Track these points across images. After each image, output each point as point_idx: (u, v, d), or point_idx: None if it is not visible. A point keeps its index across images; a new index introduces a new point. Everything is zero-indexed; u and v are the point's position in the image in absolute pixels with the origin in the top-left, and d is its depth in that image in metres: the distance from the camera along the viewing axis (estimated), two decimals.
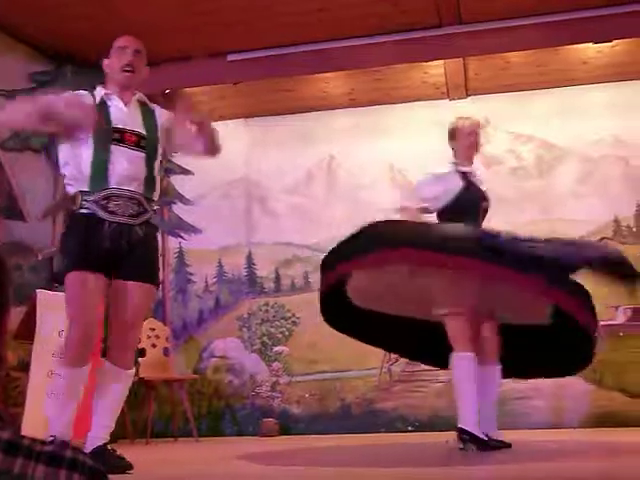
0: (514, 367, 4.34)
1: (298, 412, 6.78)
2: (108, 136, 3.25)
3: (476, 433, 3.85)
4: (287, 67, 6.49)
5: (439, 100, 6.99)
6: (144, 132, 3.35)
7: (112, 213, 3.20)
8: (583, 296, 3.91)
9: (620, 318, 6.39)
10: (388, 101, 7.11)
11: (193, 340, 7.19)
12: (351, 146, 7.11)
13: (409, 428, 6.48)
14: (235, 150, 7.38)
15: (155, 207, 3.41)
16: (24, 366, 4.95)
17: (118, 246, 3.19)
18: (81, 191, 3.25)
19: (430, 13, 5.99)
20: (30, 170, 6.40)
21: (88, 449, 3.16)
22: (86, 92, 3.44)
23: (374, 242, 3.91)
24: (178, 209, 7.47)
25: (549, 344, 4.22)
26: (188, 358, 7.13)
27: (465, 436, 3.87)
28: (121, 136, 3.27)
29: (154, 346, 6.48)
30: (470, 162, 4.47)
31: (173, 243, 7.43)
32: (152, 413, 6.28)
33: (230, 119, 7.44)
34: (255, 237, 7.26)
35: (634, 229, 6.57)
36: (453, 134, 4.50)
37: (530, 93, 6.89)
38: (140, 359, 6.31)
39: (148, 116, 3.42)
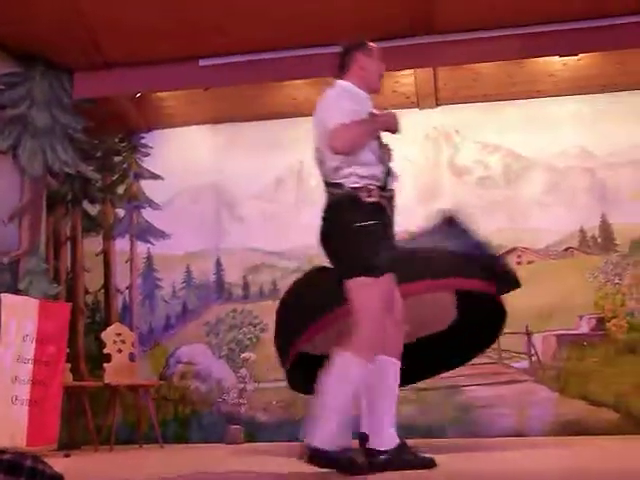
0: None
1: (265, 419, 6.76)
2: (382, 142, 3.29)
3: None
4: (259, 73, 6.49)
5: (409, 109, 7.03)
6: None
7: (392, 214, 3.21)
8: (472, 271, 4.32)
9: (584, 328, 6.47)
10: None
11: (159, 346, 7.14)
12: None
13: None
14: (204, 155, 7.37)
15: None
16: None
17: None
18: (375, 185, 3.16)
19: (402, 23, 6.04)
20: None
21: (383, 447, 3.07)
22: (354, 89, 3.34)
23: (305, 317, 4.19)
24: (147, 214, 7.43)
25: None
26: (154, 364, 7.08)
27: None
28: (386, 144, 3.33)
29: (120, 351, 6.43)
30: None
31: (141, 248, 7.39)
32: (117, 419, 6.23)
33: (200, 124, 7.43)
34: (224, 243, 7.24)
35: (599, 240, 6.66)
36: None
37: (498, 104, 6.97)
38: (105, 364, 6.26)
39: None
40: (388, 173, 3.23)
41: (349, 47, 3.45)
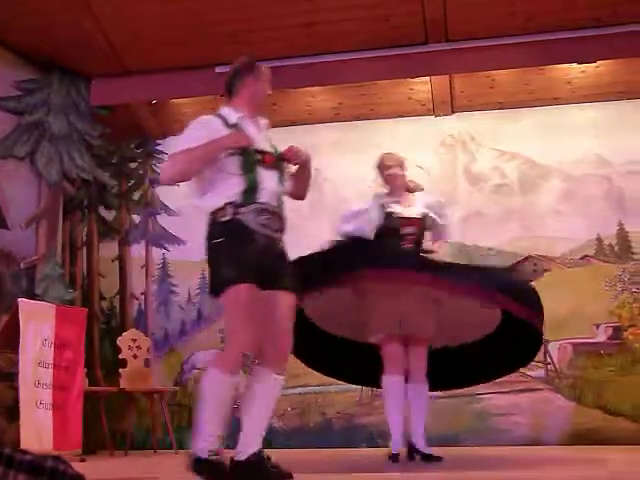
0: (480, 373, 4.89)
1: (279, 426, 6.75)
2: (252, 157, 3.25)
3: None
4: (274, 80, 6.49)
5: (425, 116, 7.03)
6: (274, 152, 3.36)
7: (263, 226, 3.19)
8: (524, 298, 4.46)
9: (601, 336, 6.43)
10: (373, 116, 7.15)
11: (174, 352, 7.15)
12: (336, 160, 7.12)
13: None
14: None
15: None
16: (3, 376, 4.90)
17: (267, 257, 3.17)
18: (230, 202, 3.17)
19: (417, 30, 6.05)
20: (13, 178, 6.38)
21: (241, 457, 3.11)
22: (211, 117, 3.35)
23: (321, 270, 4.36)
24: (162, 220, 7.46)
25: (501, 344, 4.69)
26: (169, 370, 7.09)
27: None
28: (263, 157, 3.28)
29: (135, 357, 6.45)
30: (397, 194, 4.77)
31: (157, 254, 7.41)
32: (132, 424, 6.24)
33: None
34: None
35: (616, 248, 6.62)
36: (378, 167, 4.89)
37: (515, 111, 6.95)
38: (121, 370, 6.28)
39: (269, 138, 3.45)
40: (256, 188, 3.19)
41: (239, 70, 3.45)
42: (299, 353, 4.77)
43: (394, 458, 4.37)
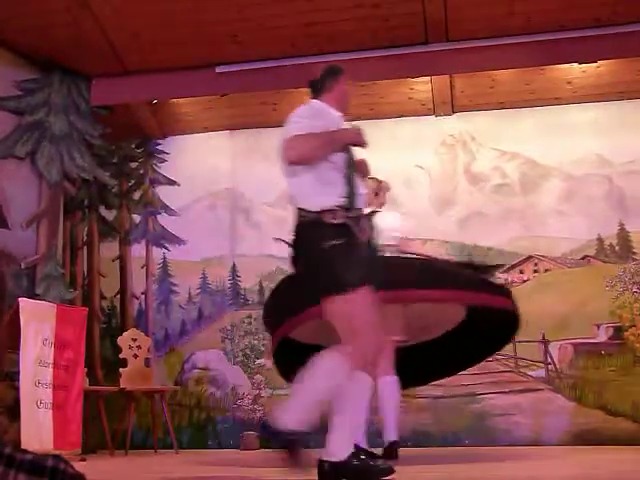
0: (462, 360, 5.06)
1: None
2: (352, 160, 3.26)
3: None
4: (275, 80, 6.51)
5: (425, 116, 7.04)
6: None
7: (362, 232, 3.18)
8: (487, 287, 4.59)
9: (601, 336, 6.43)
10: (374, 116, 7.14)
11: (175, 351, 7.16)
12: None
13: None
14: (220, 161, 7.40)
15: None
16: (4, 376, 4.91)
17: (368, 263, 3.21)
18: (340, 205, 3.14)
19: (418, 30, 6.04)
20: (14, 178, 6.38)
21: (340, 458, 3.01)
22: (323, 106, 3.34)
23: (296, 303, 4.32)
24: (163, 219, 7.46)
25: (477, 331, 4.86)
26: (170, 369, 7.10)
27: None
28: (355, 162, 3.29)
29: (136, 357, 6.45)
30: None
31: (157, 254, 7.41)
32: (132, 424, 6.24)
33: (216, 130, 7.46)
34: (239, 249, 7.25)
35: (617, 248, 6.62)
36: None
37: (515, 111, 6.95)
38: (121, 369, 6.28)
39: None
40: (355, 193, 3.18)
41: (334, 69, 3.50)
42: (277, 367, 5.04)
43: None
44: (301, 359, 4.86)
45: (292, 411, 2.98)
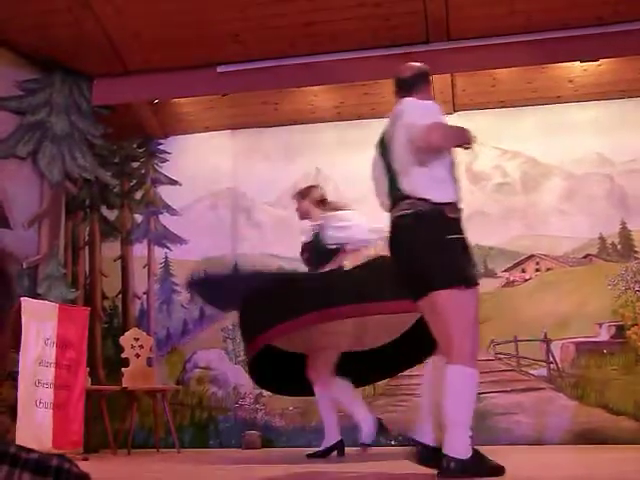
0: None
1: (281, 425, 6.76)
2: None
3: None
4: (276, 79, 6.51)
5: None
6: None
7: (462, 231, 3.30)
8: None
9: (603, 335, 6.42)
10: (375, 115, 7.13)
11: (177, 351, 7.16)
12: (337, 159, 7.13)
13: (392, 442, 6.47)
14: (222, 161, 7.40)
15: None
16: (6, 375, 4.91)
17: None
18: (456, 201, 3.28)
19: (419, 29, 6.04)
20: (16, 178, 6.39)
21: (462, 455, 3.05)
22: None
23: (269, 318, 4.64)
24: (164, 219, 7.46)
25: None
26: (171, 369, 7.10)
27: None
28: None
29: (137, 356, 6.45)
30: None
31: (159, 253, 7.42)
32: (134, 423, 6.24)
33: (217, 130, 7.46)
34: (241, 248, 7.25)
35: (619, 247, 6.61)
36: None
37: (516, 110, 6.94)
38: (123, 369, 6.29)
39: None
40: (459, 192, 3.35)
41: (426, 71, 3.64)
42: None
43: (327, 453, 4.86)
44: (278, 367, 4.99)
45: (461, 438, 3.04)
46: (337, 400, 4.98)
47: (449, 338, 3.13)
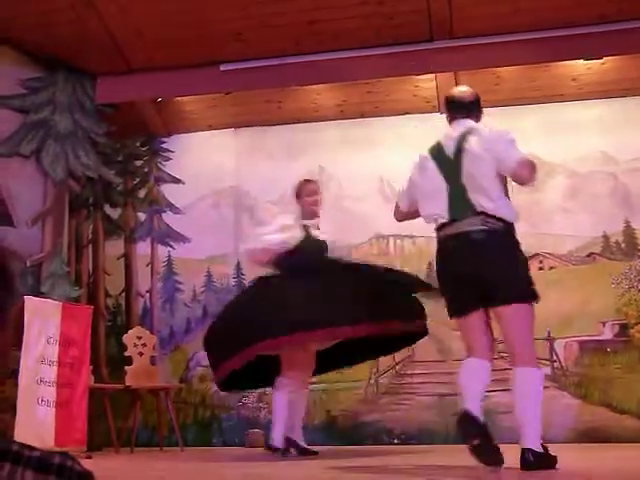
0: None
1: None
2: None
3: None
4: (279, 78, 6.51)
5: (430, 113, 7.02)
6: None
7: None
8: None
9: (607, 334, 6.41)
10: (378, 113, 7.14)
11: (180, 349, 7.16)
12: (341, 158, 7.12)
13: (395, 441, 6.47)
14: (225, 160, 7.40)
15: None
16: (9, 373, 4.91)
17: None
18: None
19: (422, 27, 6.04)
20: (19, 176, 6.39)
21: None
22: None
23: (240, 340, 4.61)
24: (168, 218, 7.47)
25: None
26: (175, 367, 7.10)
27: None
28: None
29: (141, 354, 6.45)
30: (313, 217, 5.15)
31: (162, 251, 7.42)
32: (137, 422, 6.25)
33: (220, 128, 7.46)
34: (243, 247, 7.24)
35: (622, 245, 6.60)
36: (296, 194, 5.23)
37: (520, 108, 6.92)
38: (126, 367, 6.29)
39: None
40: None
41: (479, 98, 3.95)
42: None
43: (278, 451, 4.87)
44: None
45: (535, 434, 3.36)
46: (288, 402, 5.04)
47: (524, 344, 3.48)
